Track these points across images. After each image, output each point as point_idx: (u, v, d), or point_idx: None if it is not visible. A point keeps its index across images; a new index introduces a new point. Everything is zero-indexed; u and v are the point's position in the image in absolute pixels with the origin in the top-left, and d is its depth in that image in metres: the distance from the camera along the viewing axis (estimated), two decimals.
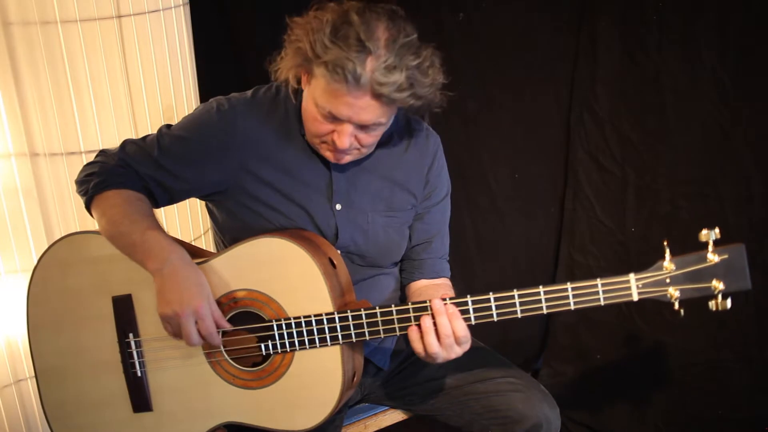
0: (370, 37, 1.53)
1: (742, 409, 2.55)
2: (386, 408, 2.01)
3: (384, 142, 1.81)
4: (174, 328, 1.65)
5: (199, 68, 2.47)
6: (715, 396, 2.58)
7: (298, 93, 1.76)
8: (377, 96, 1.55)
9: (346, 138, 1.63)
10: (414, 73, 1.56)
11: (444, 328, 1.59)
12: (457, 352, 1.62)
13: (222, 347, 1.70)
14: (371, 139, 1.68)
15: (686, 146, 2.52)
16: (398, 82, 1.54)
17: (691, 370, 2.61)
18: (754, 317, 2.47)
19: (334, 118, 1.62)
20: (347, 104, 1.57)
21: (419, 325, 1.61)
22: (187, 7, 2.38)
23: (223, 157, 1.76)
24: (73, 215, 2.20)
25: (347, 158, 1.72)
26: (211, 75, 2.58)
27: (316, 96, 1.61)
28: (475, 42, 2.71)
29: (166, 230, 1.73)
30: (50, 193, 2.20)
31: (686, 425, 2.62)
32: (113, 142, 2.14)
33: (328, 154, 1.71)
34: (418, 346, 1.62)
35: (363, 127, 1.63)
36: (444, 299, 1.61)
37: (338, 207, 1.80)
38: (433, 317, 1.60)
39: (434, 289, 1.87)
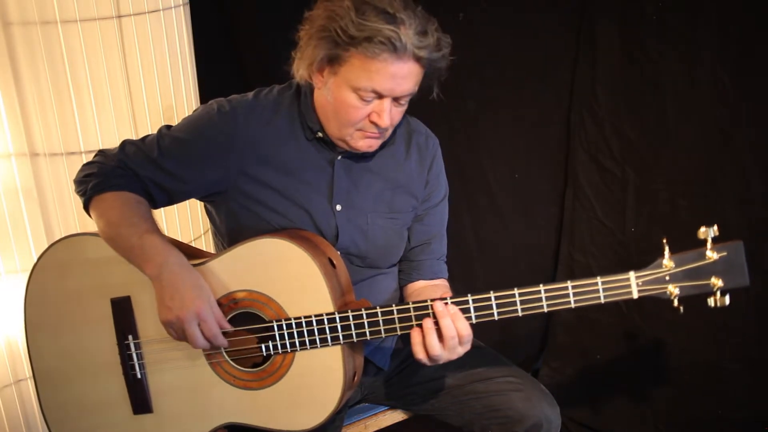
0: (394, 9, 1.59)
1: (742, 409, 2.55)
2: (386, 408, 2.02)
3: (386, 144, 1.82)
4: (177, 332, 1.65)
5: (199, 68, 2.47)
6: (715, 396, 2.58)
7: (302, 94, 1.76)
8: (418, 59, 1.62)
9: (387, 114, 1.67)
10: (439, 34, 1.64)
11: (448, 330, 1.59)
12: (459, 352, 1.62)
13: (223, 348, 1.69)
14: (399, 115, 1.72)
15: (686, 146, 2.52)
16: (432, 43, 1.61)
17: (691, 370, 2.61)
18: (754, 317, 2.47)
19: (375, 96, 1.65)
20: (391, 75, 1.61)
21: (421, 327, 1.61)
22: (187, 7, 2.38)
23: (223, 158, 1.76)
24: (73, 215, 2.20)
25: (378, 143, 1.75)
26: (211, 75, 2.58)
27: (352, 80, 1.63)
28: (475, 42, 2.71)
29: (165, 232, 1.73)
30: (50, 193, 2.19)
31: (686, 425, 2.62)
32: (113, 142, 2.13)
33: (362, 143, 1.72)
34: (419, 349, 1.62)
35: (395, 101, 1.67)
36: (444, 299, 1.61)
37: (338, 208, 1.80)
38: (436, 320, 1.60)
39: (432, 290, 1.88)
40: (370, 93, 1.64)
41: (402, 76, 1.62)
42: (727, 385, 2.56)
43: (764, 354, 2.50)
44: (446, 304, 1.60)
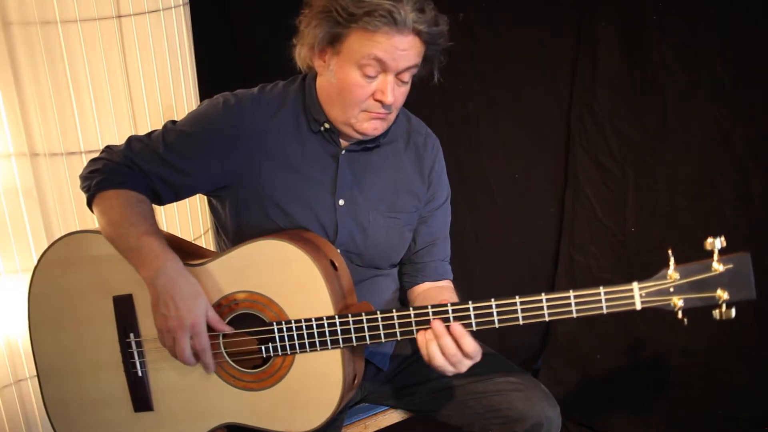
0: None
1: (742, 409, 2.56)
2: (386, 408, 2.01)
3: (388, 142, 1.82)
4: (168, 341, 1.64)
5: (199, 68, 2.46)
6: (715, 396, 2.58)
7: (306, 87, 1.76)
8: (418, 33, 1.64)
9: (390, 90, 1.68)
10: (436, 12, 1.67)
11: (448, 348, 1.57)
12: (467, 364, 1.60)
13: (224, 349, 1.70)
14: (402, 96, 1.73)
15: (686, 146, 2.53)
16: (431, 18, 1.65)
17: (691, 370, 2.62)
18: (754, 318, 2.47)
19: (379, 70, 1.66)
20: (393, 47, 1.63)
21: (425, 331, 1.60)
22: (187, 7, 2.38)
23: (229, 151, 1.76)
24: (73, 215, 2.20)
25: (383, 125, 1.75)
26: (211, 75, 2.58)
27: (355, 53, 1.64)
28: (475, 42, 2.71)
29: (165, 230, 1.73)
30: (50, 193, 2.19)
31: (686, 425, 2.62)
32: (113, 142, 2.13)
33: (367, 125, 1.73)
34: (424, 352, 1.60)
35: (397, 77, 1.68)
36: (445, 305, 1.59)
37: (341, 203, 1.80)
38: (436, 339, 1.58)
39: (437, 291, 1.87)
40: (373, 62, 1.64)
41: (403, 48, 1.64)
42: (727, 385, 2.57)
43: (764, 354, 2.51)
44: (447, 325, 1.58)
